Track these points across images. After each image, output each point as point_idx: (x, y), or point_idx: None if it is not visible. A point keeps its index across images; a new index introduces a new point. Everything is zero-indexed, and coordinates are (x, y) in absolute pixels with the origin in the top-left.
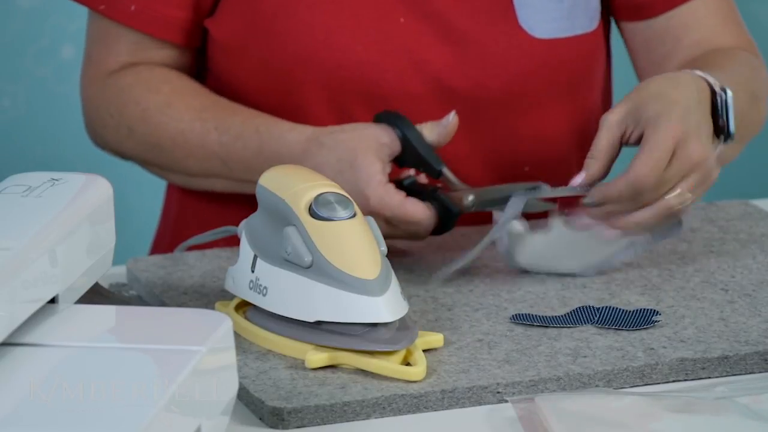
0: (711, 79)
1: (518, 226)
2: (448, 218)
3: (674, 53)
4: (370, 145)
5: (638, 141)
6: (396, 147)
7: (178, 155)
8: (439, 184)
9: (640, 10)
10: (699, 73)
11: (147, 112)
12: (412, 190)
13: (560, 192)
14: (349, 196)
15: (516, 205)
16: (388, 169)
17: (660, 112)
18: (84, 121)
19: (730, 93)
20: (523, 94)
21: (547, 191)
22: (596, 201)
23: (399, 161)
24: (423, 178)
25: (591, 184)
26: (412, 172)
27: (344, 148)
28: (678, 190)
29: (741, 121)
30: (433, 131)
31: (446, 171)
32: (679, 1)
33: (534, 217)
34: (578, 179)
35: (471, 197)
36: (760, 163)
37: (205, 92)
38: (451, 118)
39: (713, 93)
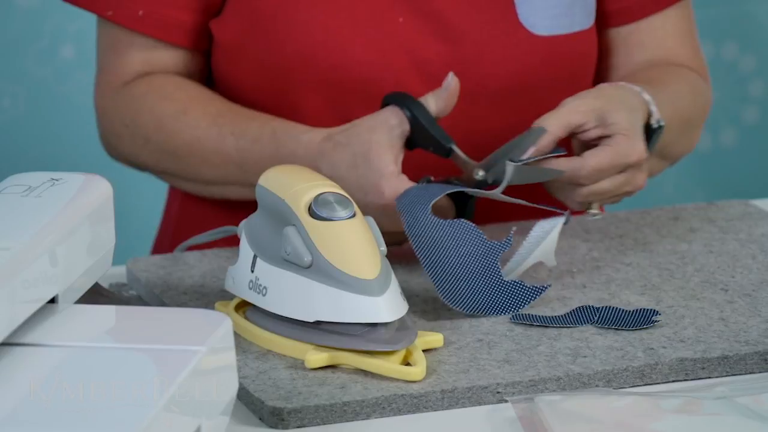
0: (653, 108)
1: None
2: (465, 204)
3: (622, 66)
4: (383, 134)
5: (594, 139)
6: (406, 127)
7: (194, 162)
8: (443, 175)
9: (604, 18)
10: (646, 97)
11: (162, 120)
12: None
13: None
14: (348, 196)
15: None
16: (401, 156)
17: (627, 126)
18: (99, 132)
19: (663, 125)
20: (524, 91)
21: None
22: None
23: (409, 142)
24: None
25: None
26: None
27: (358, 142)
28: (606, 184)
29: (671, 146)
30: (437, 99)
31: (455, 148)
32: (640, 15)
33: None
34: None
35: (480, 172)
36: (760, 163)
37: (219, 99)
38: (450, 80)
39: (649, 115)
